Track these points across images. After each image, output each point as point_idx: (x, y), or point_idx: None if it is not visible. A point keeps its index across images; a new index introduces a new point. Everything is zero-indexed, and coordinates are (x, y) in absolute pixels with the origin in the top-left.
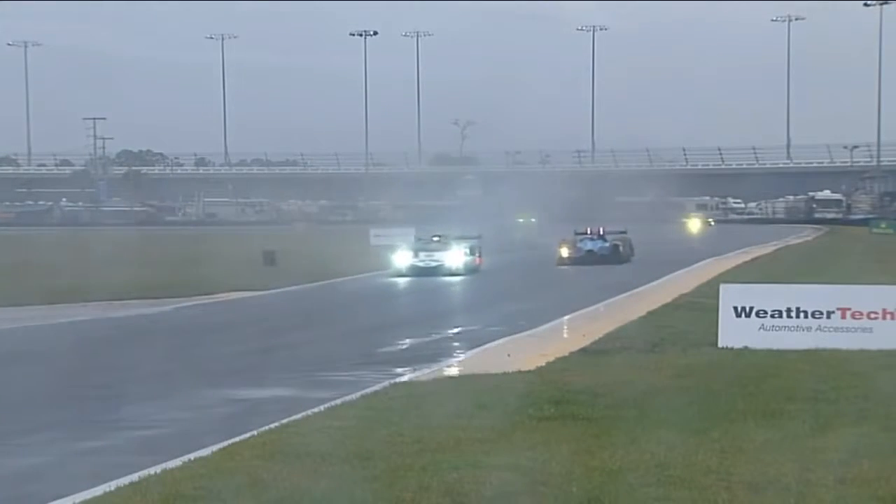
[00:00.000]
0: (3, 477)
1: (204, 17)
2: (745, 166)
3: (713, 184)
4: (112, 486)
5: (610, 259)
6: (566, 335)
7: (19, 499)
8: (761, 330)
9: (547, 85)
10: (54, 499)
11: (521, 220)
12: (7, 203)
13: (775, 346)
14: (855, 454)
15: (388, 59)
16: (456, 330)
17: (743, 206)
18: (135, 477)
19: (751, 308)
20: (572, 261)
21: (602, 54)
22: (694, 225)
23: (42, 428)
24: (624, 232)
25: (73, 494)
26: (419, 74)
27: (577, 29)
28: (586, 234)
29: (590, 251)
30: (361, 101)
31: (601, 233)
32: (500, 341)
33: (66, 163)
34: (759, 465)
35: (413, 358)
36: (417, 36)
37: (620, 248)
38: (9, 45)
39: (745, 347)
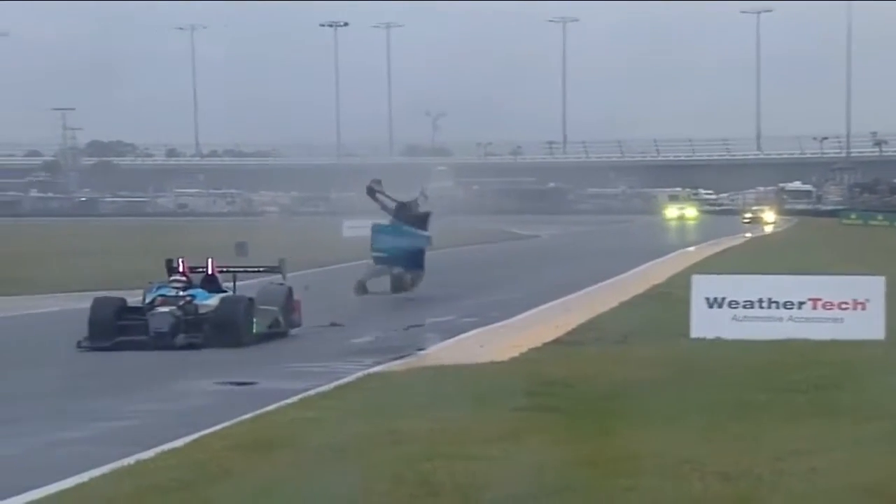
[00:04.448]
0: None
1: (173, 8)
2: (715, 157)
3: (684, 175)
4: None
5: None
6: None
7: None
8: (734, 320)
9: (518, 76)
10: None
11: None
12: None
13: (748, 337)
14: (826, 444)
15: (359, 50)
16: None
17: (714, 197)
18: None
19: (723, 299)
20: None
21: (573, 46)
22: (672, 215)
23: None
24: (277, 269)
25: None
26: (390, 65)
27: (549, 20)
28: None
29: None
30: (333, 92)
31: (209, 273)
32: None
33: (34, 153)
34: (732, 455)
35: (386, 349)
36: (388, 27)
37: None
38: None
39: (718, 338)
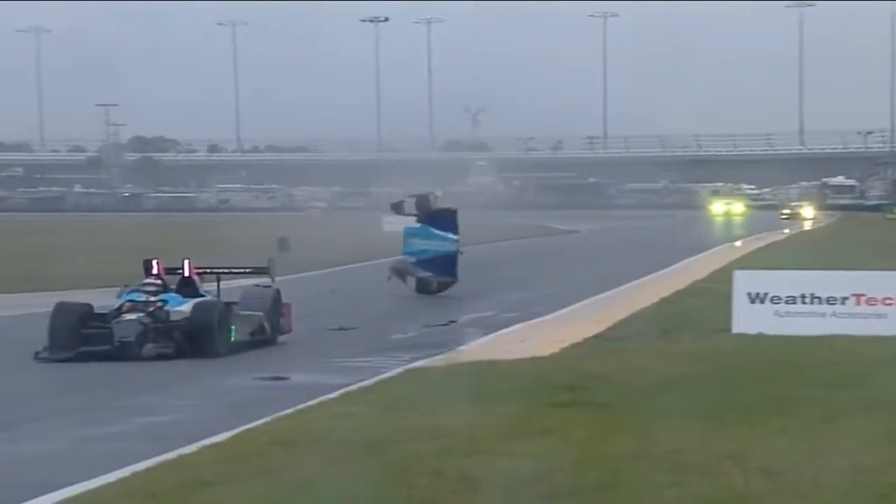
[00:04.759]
0: None
1: (215, 5)
2: (758, 152)
3: (726, 170)
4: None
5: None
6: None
7: None
8: (775, 316)
9: (559, 71)
10: None
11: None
12: (21, 189)
13: (790, 333)
14: (869, 441)
15: (400, 46)
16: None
17: (757, 192)
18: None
19: (765, 294)
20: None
21: (614, 40)
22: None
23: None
24: (264, 270)
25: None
26: (430, 61)
27: (589, 16)
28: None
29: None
30: (373, 87)
31: (186, 275)
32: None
33: (78, 149)
34: (774, 451)
35: (427, 345)
36: (429, 23)
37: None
38: (19, 31)
39: (760, 334)
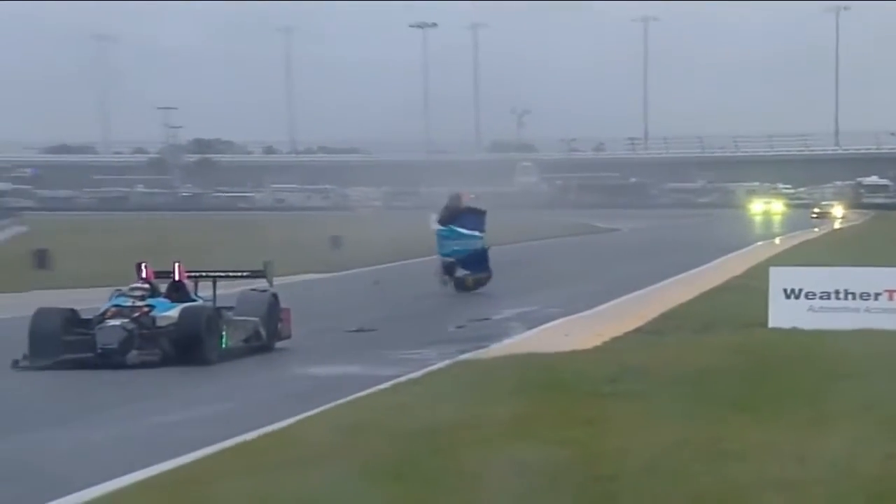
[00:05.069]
0: None
1: (269, 9)
2: (794, 153)
3: (763, 170)
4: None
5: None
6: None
7: None
8: (810, 311)
9: (601, 74)
10: None
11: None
12: (87, 189)
13: (824, 327)
14: None
15: (447, 50)
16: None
17: (793, 191)
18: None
19: (800, 290)
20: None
21: (654, 43)
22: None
23: None
24: (261, 273)
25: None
26: (476, 65)
27: (631, 20)
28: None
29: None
30: (421, 90)
31: (176, 279)
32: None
33: (140, 151)
34: (809, 439)
35: (474, 338)
36: (475, 27)
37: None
38: (83, 37)
39: (795, 328)
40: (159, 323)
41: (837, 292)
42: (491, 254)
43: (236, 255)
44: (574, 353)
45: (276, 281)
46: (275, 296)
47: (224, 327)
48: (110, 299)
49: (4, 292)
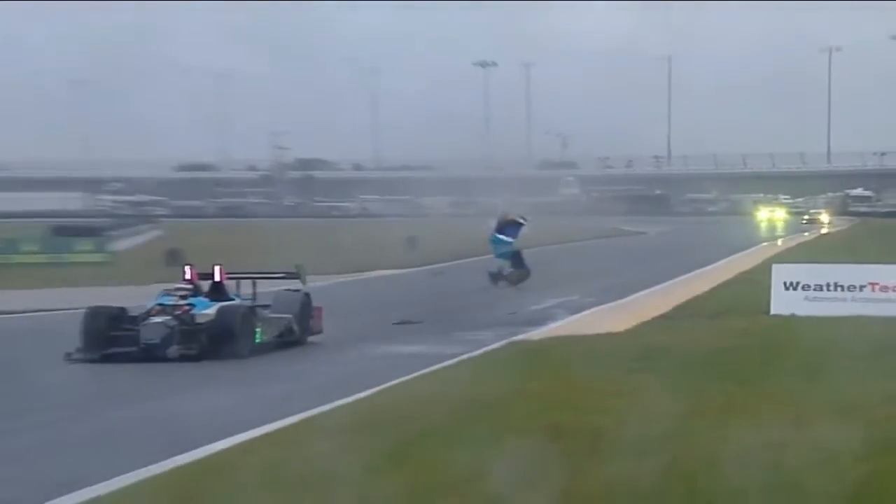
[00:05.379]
0: None
1: (352, 50)
2: (793, 169)
3: (766, 183)
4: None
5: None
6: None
7: None
8: (806, 300)
9: (630, 103)
10: None
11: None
12: (210, 199)
13: (817, 314)
14: (891, 396)
15: (503, 84)
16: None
17: (791, 201)
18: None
19: (797, 283)
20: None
21: (676, 77)
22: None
23: None
24: (295, 275)
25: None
26: (529, 96)
27: (654, 58)
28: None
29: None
30: (483, 117)
31: (216, 280)
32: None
33: (252, 168)
34: (804, 408)
35: (525, 322)
36: (528, 66)
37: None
38: (206, 74)
39: (793, 314)
40: (198, 320)
41: (829, 285)
42: (534, 253)
43: (326, 254)
44: (608, 335)
45: (358, 276)
46: (307, 295)
47: (258, 324)
48: (157, 298)
49: (141, 284)
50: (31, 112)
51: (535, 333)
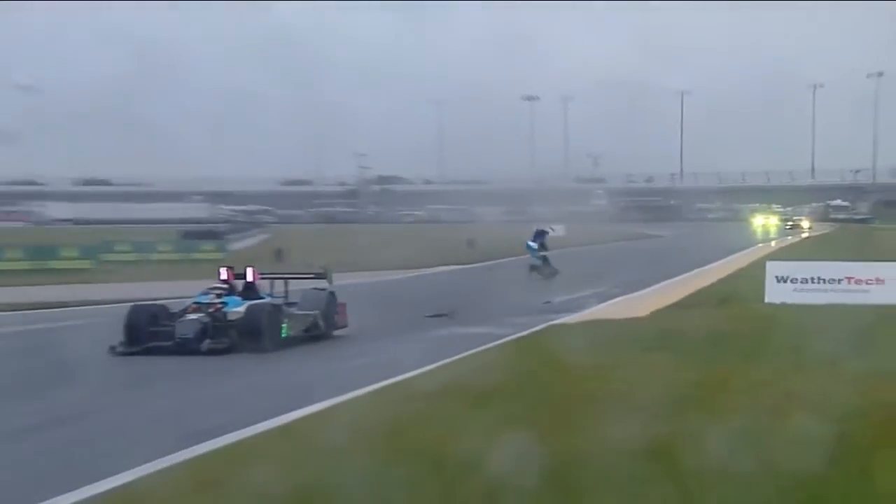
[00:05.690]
0: None
1: (420, 85)
2: (784, 184)
3: (762, 195)
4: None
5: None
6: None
7: None
8: (794, 291)
9: (651, 132)
10: None
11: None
12: (307, 208)
13: (804, 302)
14: (868, 372)
15: (546, 116)
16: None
17: (783, 210)
18: None
19: (787, 276)
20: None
21: (687, 111)
22: (759, 223)
23: None
24: (322, 275)
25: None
26: (567, 125)
27: (668, 90)
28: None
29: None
30: (529, 142)
31: (248, 280)
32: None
33: (342, 183)
34: (794, 380)
35: (562, 309)
36: (565, 100)
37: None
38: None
39: (783, 303)
40: (229, 317)
41: (813, 278)
42: (568, 253)
43: (396, 251)
44: (631, 319)
45: (427, 271)
46: (332, 293)
47: (285, 320)
48: (196, 296)
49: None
50: (169, 136)
51: (570, 318)
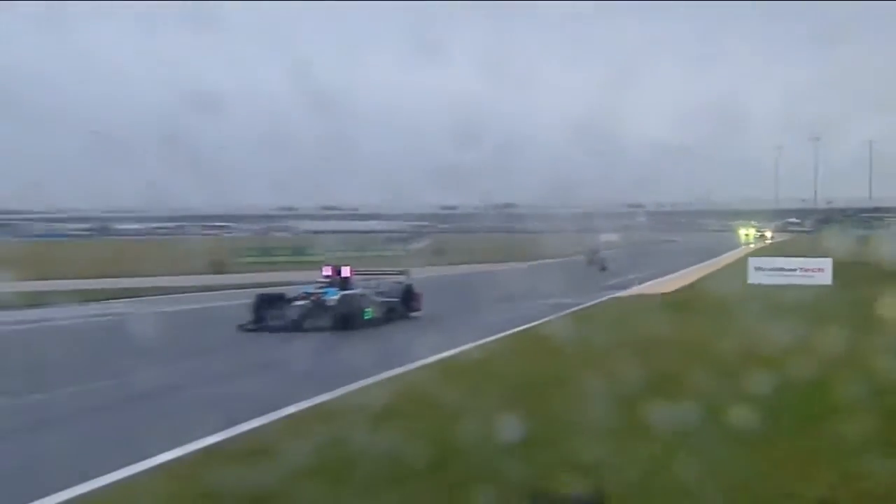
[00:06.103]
0: None
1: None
2: (761, 208)
3: (745, 216)
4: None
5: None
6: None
7: None
8: (767, 276)
9: (667, 172)
10: None
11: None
12: (454, 222)
13: (772, 283)
14: (810, 318)
15: (589, 151)
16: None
17: (759, 225)
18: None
19: (761, 266)
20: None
21: (694, 162)
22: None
23: None
24: (403, 272)
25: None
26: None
27: (679, 149)
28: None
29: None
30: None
31: (344, 276)
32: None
33: (450, 207)
34: (775, 343)
35: (618, 286)
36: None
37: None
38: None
39: (759, 284)
40: (327, 304)
41: (781, 269)
42: (619, 253)
43: (498, 249)
44: (661, 293)
45: (518, 264)
46: (409, 286)
47: (369, 306)
48: (305, 287)
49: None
50: (378, 175)
51: (622, 293)
